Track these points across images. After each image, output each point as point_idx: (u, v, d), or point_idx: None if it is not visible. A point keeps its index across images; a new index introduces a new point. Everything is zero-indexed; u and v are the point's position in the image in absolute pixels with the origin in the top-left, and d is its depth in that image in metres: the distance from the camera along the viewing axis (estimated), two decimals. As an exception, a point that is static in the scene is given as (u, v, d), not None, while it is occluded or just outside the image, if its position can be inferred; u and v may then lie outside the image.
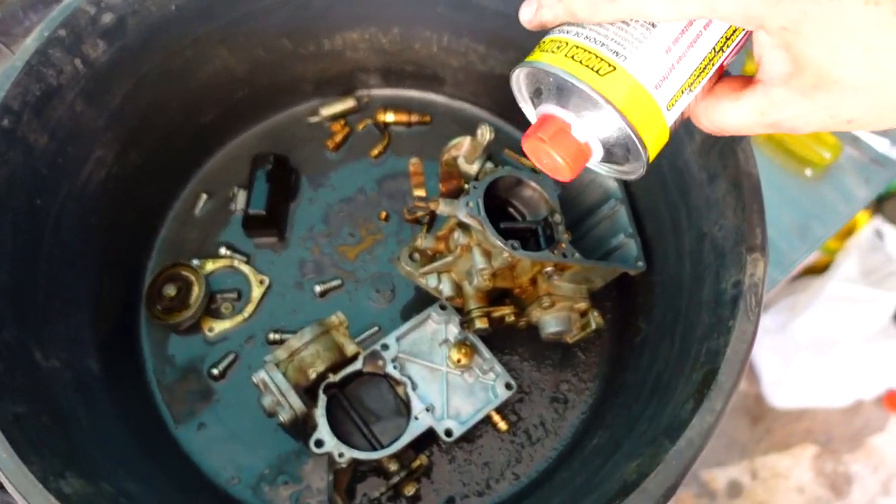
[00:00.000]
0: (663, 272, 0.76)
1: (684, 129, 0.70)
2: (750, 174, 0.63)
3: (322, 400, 0.74)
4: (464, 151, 0.77)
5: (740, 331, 0.58)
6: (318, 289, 0.86)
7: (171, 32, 0.78)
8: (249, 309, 0.85)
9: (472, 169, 0.81)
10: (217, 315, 0.85)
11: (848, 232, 1.91)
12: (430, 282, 0.78)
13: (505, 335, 0.82)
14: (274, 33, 0.85)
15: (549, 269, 0.73)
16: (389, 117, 0.93)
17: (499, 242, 0.70)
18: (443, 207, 0.73)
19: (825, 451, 2.11)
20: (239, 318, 0.85)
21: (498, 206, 0.78)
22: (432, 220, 0.85)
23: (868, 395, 2.06)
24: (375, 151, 0.93)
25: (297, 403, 0.72)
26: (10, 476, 0.53)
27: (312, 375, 0.75)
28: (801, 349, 1.94)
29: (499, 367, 0.79)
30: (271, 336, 0.83)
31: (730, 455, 2.07)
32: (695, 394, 0.58)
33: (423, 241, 0.77)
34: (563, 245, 0.73)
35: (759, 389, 2.02)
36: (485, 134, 0.73)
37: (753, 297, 0.59)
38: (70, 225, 0.75)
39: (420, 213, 0.81)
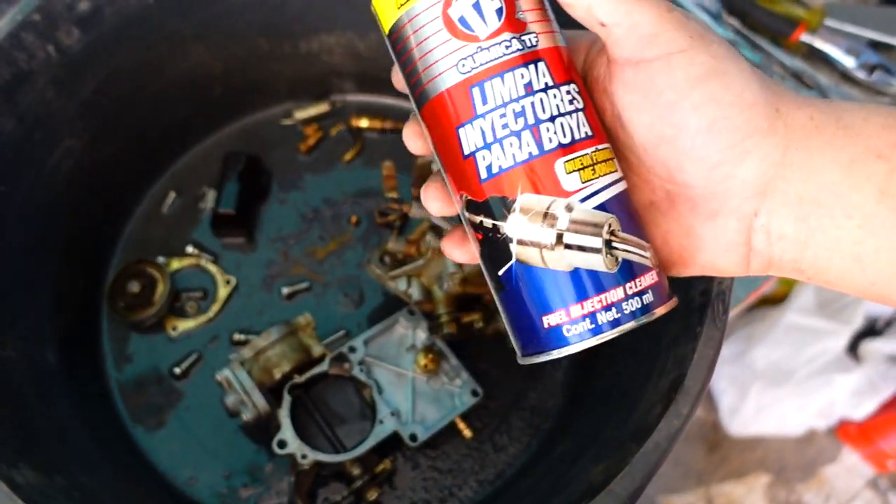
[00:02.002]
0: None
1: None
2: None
3: (286, 400, 0.73)
4: (439, 156, 0.77)
5: (707, 336, 0.59)
6: (285, 290, 0.85)
7: (147, 25, 0.77)
8: (215, 308, 0.84)
9: (446, 176, 0.81)
10: (181, 314, 0.84)
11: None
12: (400, 285, 0.78)
13: (472, 342, 0.82)
14: (251, 32, 0.85)
15: (519, 275, 0.73)
16: (363, 123, 0.93)
17: (471, 246, 0.70)
18: (415, 211, 0.73)
19: (778, 479, 2.14)
20: (203, 318, 0.83)
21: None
22: (403, 225, 0.85)
23: (821, 425, 2.10)
24: (348, 156, 0.93)
25: (262, 403, 0.71)
26: (-42, 463, 0.51)
27: (277, 375, 0.74)
28: (757, 378, 1.97)
29: (465, 374, 0.78)
30: (236, 336, 0.82)
31: (686, 482, 2.09)
32: (662, 398, 0.58)
33: (394, 244, 0.77)
34: (535, 252, 0.73)
35: (716, 417, 2.04)
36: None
37: (721, 304, 0.60)
38: (34, 214, 0.73)
39: (392, 217, 0.81)
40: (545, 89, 0.40)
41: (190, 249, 0.86)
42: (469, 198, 0.42)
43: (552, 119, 0.40)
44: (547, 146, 0.40)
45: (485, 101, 0.40)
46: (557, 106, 0.40)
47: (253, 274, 0.86)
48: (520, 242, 0.40)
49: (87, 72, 0.75)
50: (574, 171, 0.40)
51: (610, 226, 0.41)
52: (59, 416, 0.68)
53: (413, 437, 0.74)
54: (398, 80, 0.45)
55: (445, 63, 0.40)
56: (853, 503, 2.16)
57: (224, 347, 0.82)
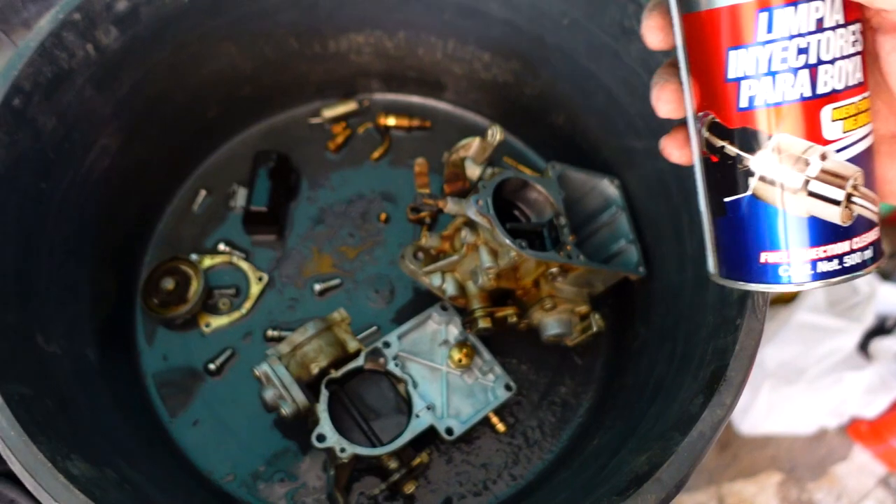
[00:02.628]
0: (662, 278, 0.78)
1: (688, 137, 0.72)
2: (756, 179, 0.65)
3: (324, 395, 0.73)
4: (472, 152, 0.78)
5: (748, 328, 0.59)
6: (317, 287, 0.85)
7: (181, 25, 0.78)
8: (247, 305, 0.84)
9: (475, 172, 0.82)
10: (214, 311, 0.84)
11: (816, 262, 1.95)
12: (434, 281, 0.78)
13: (503, 339, 0.82)
14: (281, 32, 0.86)
15: (553, 270, 0.74)
16: (391, 121, 0.94)
17: (507, 241, 0.71)
18: (451, 206, 0.73)
19: (790, 478, 2.14)
20: (236, 315, 0.84)
21: (503, 207, 0.78)
22: (434, 221, 0.86)
23: (832, 423, 2.10)
24: (376, 154, 0.93)
25: (301, 397, 0.71)
26: (17, 455, 0.52)
27: (314, 370, 0.74)
28: (768, 377, 1.98)
29: (498, 369, 0.79)
30: (269, 333, 0.83)
31: (697, 481, 2.09)
32: (704, 389, 0.59)
33: (428, 240, 0.77)
34: (569, 247, 0.74)
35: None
36: (495, 135, 0.74)
37: (760, 296, 0.61)
38: (72, 212, 0.74)
39: (425, 213, 0.82)
40: (835, 27, 0.38)
41: (222, 247, 0.87)
42: (716, 119, 0.41)
43: (833, 61, 0.39)
44: (820, 89, 0.39)
45: (770, 30, 0.38)
46: (841, 47, 0.39)
47: (284, 271, 0.87)
48: (762, 179, 0.40)
49: (123, 71, 0.76)
50: (839, 119, 0.40)
51: (855, 180, 0.41)
52: (102, 412, 0.69)
53: (449, 431, 0.75)
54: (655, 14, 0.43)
55: None
56: (865, 502, 2.16)
57: (258, 343, 0.83)
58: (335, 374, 0.75)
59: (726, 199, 0.42)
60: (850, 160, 0.40)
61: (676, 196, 0.75)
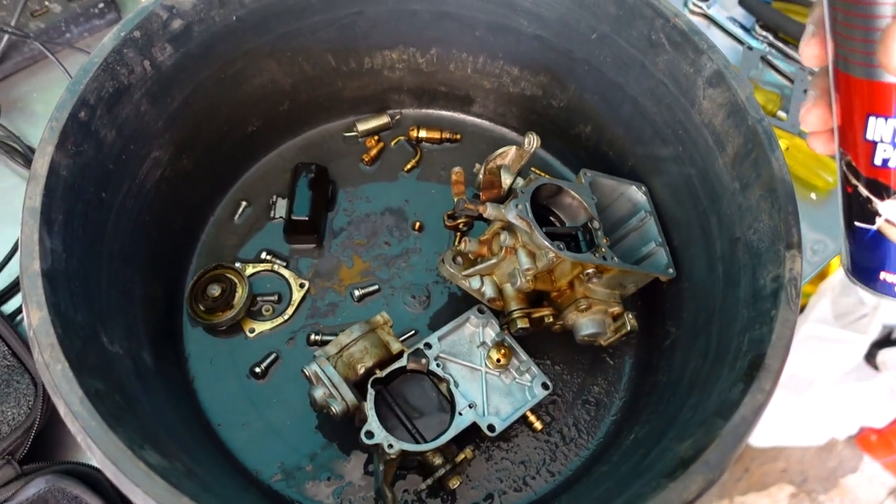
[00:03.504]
0: (692, 278, 0.81)
1: (715, 142, 0.76)
2: (784, 180, 0.68)
3: (371, 394, 0.76)
4: (508, 160, 0.81)
5: (783, 318, 0.63)
6: (356, 293, 0.89)
7: (228, 42, 0.82)
8: (290, 311, 0.87)
9: (508, 181, 0.85)
10: (257, 317, 0.87)
11: (821, 276, 2.00)
12: (473, 284, 0.81)
13: (536, 341, 0.86)
14: (319, 49, 0.90)
15: (589, 271, 0.77)
16: (422, 134, 0.98)
17: (546, 242, 0.74)
18: (490, 211, 0.77)
19: (801, 490, 2.16)
20: (279, 320, 0.87)
21: (538, 212, 0.82)
22: (469, 228, 0.89)
23: (842, 434, 2.12)
24: (408, 166, 0.97)
25: (350, 396, 0.74)
26: (99, 443, 0.54)
27: (361, 370, 0.77)
28: (777, 388, 1.99)
29: (535, 369, 0.82)
30: (312, 337, 0.86)
31: (708, 495, 2.10)
32: (743, 377, 0.62)
33: (467, 245, 0.80)
34: (603, 249, 0.77)
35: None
36: (533, 142, 0.78)
37: (794, 288, 0.64)
38: (127, 221, 0.77)
39: (461, 220, 0.85)
40: None
41: (264, 255, 0.90)
42: (852, 162, 0.48)
43: None
44: None
45: None
46: None
47: (324, 278, 0.90)
48: (887, 221, 0.48)
49: (175, 86, 0.79)
50: None
51: None
52: (161, 411, 0.71)
53: (491, 428, 0.77)
54: (812, 43, 0.48)
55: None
56: (876, 513, 2.17)
57: (300, 347, 0.86)
58: (380, 373, 0.77)
59: (856, 223, 0.50)
60: None
61: (704, 199, 0.79)
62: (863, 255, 0.51)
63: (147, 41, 0.74)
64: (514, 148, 0.81)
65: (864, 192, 0.48)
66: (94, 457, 0.56)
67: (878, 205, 0.47)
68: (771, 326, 0.63)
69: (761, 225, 0.70)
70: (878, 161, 0.46)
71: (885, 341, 2.04)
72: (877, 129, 0.46)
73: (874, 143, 0.46)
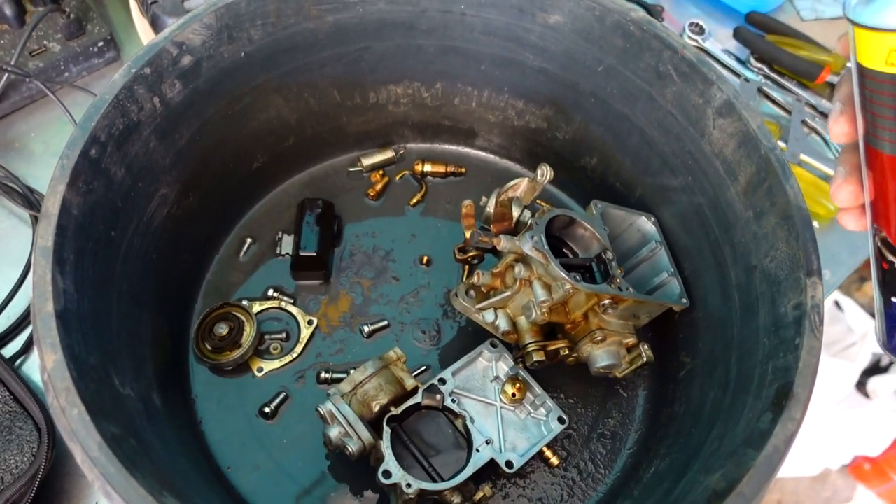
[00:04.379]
0: (706, 307, 0.81)
1: (726, 171, 0.77)
2: (800, 208, 0.68)
3: (387, 432, 0.74)
4: (520, 192, 0.81)
5: (808, 346, 0.62)
6: (366, 329, 0.87)
7: (236, 78, 0.81)
8: (298, 349, 0.86)
9: (517, 214, 0.85)
10: (265, 355, 0.85)
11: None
12: (487, 317, 0.80)
13: (547, 374, 0.84)
14: (325, 84, 0.89)
15: (605, 302, 0.77)
16: (427, 168, 0.98)
17: (562, 274, 0.73)
18: (504, 243, 0.76)
19: (796, 521, 2.14)
20: (288, 358, 0.85)
21: (552, 244, 0.81)
22: (480, 261, 0.89)
23: (835, 464, 2.11)
24: (414, 200, 0.97)
25: (366, 435, 0.72)
26: (120, 490, 0.52)
27: (376, 408, 0.75)
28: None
29: (550, 402, 0.81)
30: (322, 375, 0.84)
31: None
32: (771, 406, 0.61)
33: (481, 278, 0.80)
34: (618, 280, 0.77)
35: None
36: (545, 174, 0.78)
37: (816, 316, 0.64)
38: (135, 260, 0.75)
39: (472, 253, 0.85)
40: None
41: (270, 293, 0.88)
42: (888, 238, 0.47)
43: None
44: None
45: None
46: None
47: (332, 314, 0.89)
48: None
49: (183, 122, 0.78)
50: None
51: None
52: (173, 455, 0.69)
53: (509, 464, 0.76)
54: (841, 121, 0.49)
55: None
56: (872, 543, 2.16)
57: (311, 385, 0.84)
58: (395, 411, 0.76)
59: (894, 299, 0.49)
60: None
61: (717, 228, 0.79)
62: None
63: (157, 77, 0.73)
64: (525, 180, 0.81)
65: None
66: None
67: None
68: (797, 354, 0.62)
69: (778, 253, 0.70)
70: None
71: (874, 369, 2.05)
72: None
73: None
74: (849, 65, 0.47)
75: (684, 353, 0.83)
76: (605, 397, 0.86)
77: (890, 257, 0.47)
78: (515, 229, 0.83)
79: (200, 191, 0.85)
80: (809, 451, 2.05)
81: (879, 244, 0.48)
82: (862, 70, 0.45)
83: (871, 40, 0.43)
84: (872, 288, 0.51)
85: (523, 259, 0.77)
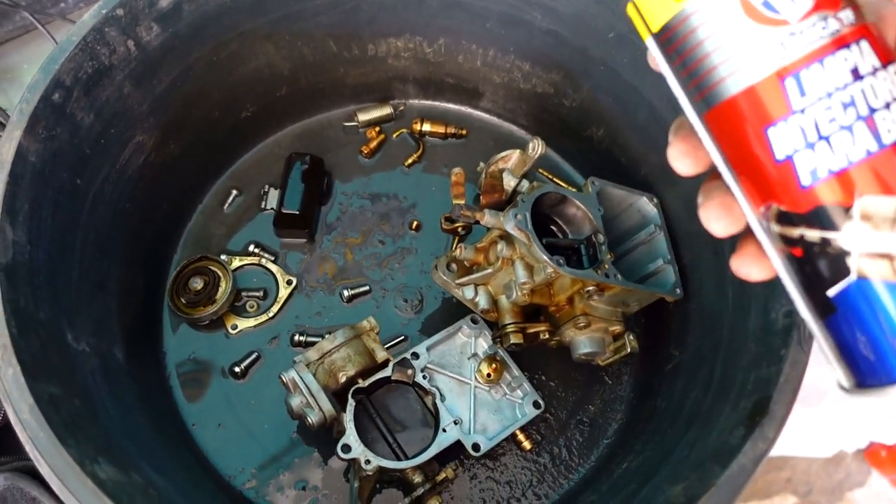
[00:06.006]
0: (700, 300, 0.76)
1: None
2: (805, 206, 0.63)
3: (351, 405, 0.72)
4: (511, 164, 0.76)
5: (793, 360, 0.58)
6: (346, 293, 0.84)
7: (222, 23, 0.77)
8: (275, 309, 0.83)
9: (512, 184, 0.80)
10: (241, 313, 0.83)
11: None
12: (467, 293, 0.77)
13: (531, 354, 0.81)
14: (321, 34, 0.85)
15: (589, 288, 0.72)
16: (426, 127, 0.93)
17: (544, 257, 0.69)
18: (488, 219, 0.72)
19: (805, 501, 2.11)
20: (263, 318, 0.83)
21: (540, 222, 0.77)
22: (468, 232, 0.85)
23: (851, 447, 2.06)
24: (409, 161, 0.92)
25: (328, 406, 0.70)
26: (47, 457, 0.51)
27: (342, 379, 0.73)
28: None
29: (527, 385, 0.78)
30: (297, 337, 0.82)
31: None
32: (745, 421, 0.57)
33: (463, 252, 0.76)
34: (606, 265, 0.73)
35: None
36: (537, 147, 0.73)
37: (807, 328, 0.59)
38: (105, 209, 0.73)
39: (461, 224, 0.81)
40: (873, 72, 0.34)
41: (252, 248, 0.86)
42: (782, 209, 0.36)
43: (887, 106, 0.34)
44: (886, 138, 0.34)
45: (803, 94, 0.34)
46: (890, 90, 0.34)
47: (313, 275, 0.86)
48: (862, 255, 0.34)
49: (162, 68, 0.75)
50: None
51: None
52: (129, 413, 0.68)
53: (476, 447, 0.73)
54: (678, 142, 0.40)
55: (746, 56, 0.34)
56: (881, 528, 2.12)
57: (284, 348, 0.82)
58: (362, 383, 0.74)
59: (830, 294, 0.36)
60: None
61: (718, 218, 0.73)
62: (860, 336, 0.35)
63: (131, 20, 0.69)
64: (517, 152, 0.76)
65: (815, 234, 0.35)
66: (41, 469, 0.52)
67: (840, 238, 0.34)
68: (780, 367, 0.58)
69: (777, 252, 0.64)
70: (806, 179, 0.34)
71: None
72: (783, 138, 0.34)
73: (790, 160, 0.34)
74: (657, 68, 0.38)
75: (674, 345, 0.79)
76: (589, 382, 0.83)
77: (796, 232, 0.35)
78: (509, 202, 0.78)
79: (183, 139, 0.82)
80: (825, 431, 2.00)
81: (779, 229, 0.36)
82: (659, 36, 0.37)
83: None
84: (801, 312, 0.37)
85: (507, 237, 0.73)
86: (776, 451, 1.76)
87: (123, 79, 0.71)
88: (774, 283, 0.63)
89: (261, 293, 0.84)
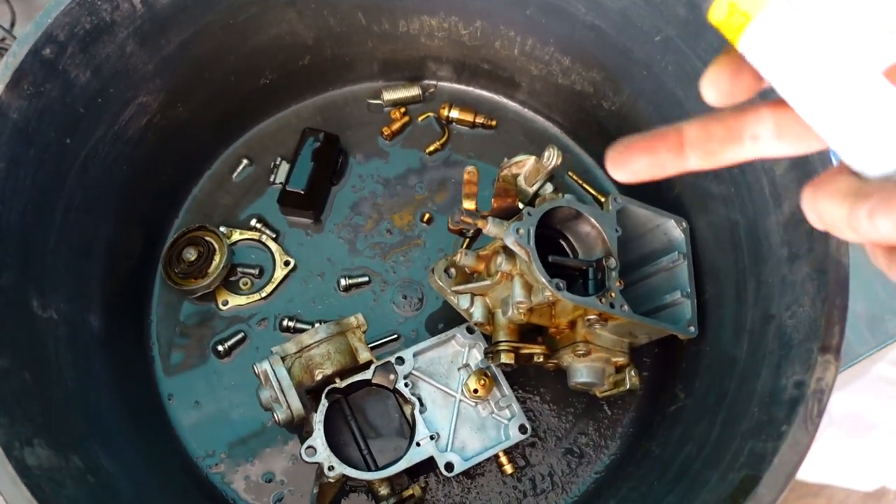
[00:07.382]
0: (715, 344, 0.69)
1: (772, 193, 0.63)
2: (839, 263, 0.55)
3: (323, 405, 0.69)
4: (525, 171, 0.70)
5: (793, 440, 0.51)
6: (343, 282, 0.80)
7: (241, -15, 0.73)
8: (268, 289, 0.80)
9: (531, 189, 0.74)
10: (234, 289, 0.80)
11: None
12: (462, 302, 0.72)
13: (528, 371, 0.76)
14: (348, 5, 0.79)
15: (591, 317, 0.66)
16: (454, 114, 0.87)
17: (542, 279, 0.63)
18: (491, 228, 0.66)
19: (836, 532, 2.01)
20: (256, 297, 0.80)
21: (550, 236, 0.71)
22: (476, 236, 0.79)
23: (894, 484, 1.95)
24: (432, 148, 0.87)
25: (296, 405, 0.67)
26: (-29, 436, 0.49)
27: (318, 377, 0.69)
28: (832, 424, 1.84)
29: (516, 406, 0.73)
30: (285, 323, 0.79)
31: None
32: (728, 499, 0.51)
33: (463, 258, 0.71)
34: (613, 294, 0.66)
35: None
36: (552, 157, 0.67)
37: (817, 404, 0.52)
38: (98, 170, 0.70)
39: (464, 227, 0.75)
40: None
41: (253, 223, 0.82)
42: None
43: None
44: None
45: None
46: None
47: (313, 259, 0.82)
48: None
49: (172, 28, 0.71)
50: None
51: None
52: (92, 386, 0.66)
53: (449, 467, 0.69)
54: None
55: None
56: (915, 573, 2.01)
57: (271, 331, 0.79)
58: (339, 384, 0.70)
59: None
60: None
61: (747, 256, 0.66)
62: None
63: (138, -25, 0.65)
64: (532, 159, 0.70)
65: None
66: (-33, 447, 0.50)
67: None
68: (777, 444, 0.51)
69: (801, 310, 0.57)
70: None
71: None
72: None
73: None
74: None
75: (681, 386, 0.72)
76: (586, 410, 0.77)
77: None
78: (533, 203, 0.73)
79: (191, 102, 0.78)
80: (869, 464, 1.90)
81: None
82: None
83: None
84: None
85: (508, 250, 0.67)
86: (813, 476, 1.66)
87: (127, 37, 0.67)
88: (791, 346, 0.57)
89: (256, 271, 0.81)
